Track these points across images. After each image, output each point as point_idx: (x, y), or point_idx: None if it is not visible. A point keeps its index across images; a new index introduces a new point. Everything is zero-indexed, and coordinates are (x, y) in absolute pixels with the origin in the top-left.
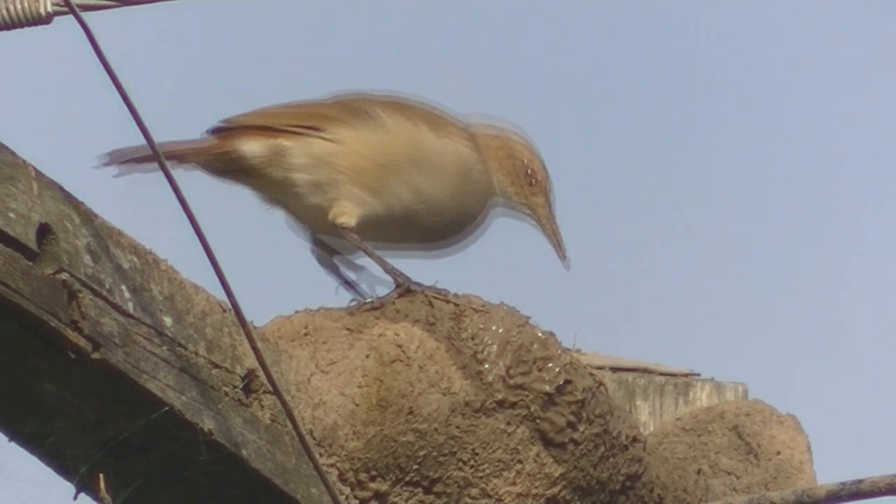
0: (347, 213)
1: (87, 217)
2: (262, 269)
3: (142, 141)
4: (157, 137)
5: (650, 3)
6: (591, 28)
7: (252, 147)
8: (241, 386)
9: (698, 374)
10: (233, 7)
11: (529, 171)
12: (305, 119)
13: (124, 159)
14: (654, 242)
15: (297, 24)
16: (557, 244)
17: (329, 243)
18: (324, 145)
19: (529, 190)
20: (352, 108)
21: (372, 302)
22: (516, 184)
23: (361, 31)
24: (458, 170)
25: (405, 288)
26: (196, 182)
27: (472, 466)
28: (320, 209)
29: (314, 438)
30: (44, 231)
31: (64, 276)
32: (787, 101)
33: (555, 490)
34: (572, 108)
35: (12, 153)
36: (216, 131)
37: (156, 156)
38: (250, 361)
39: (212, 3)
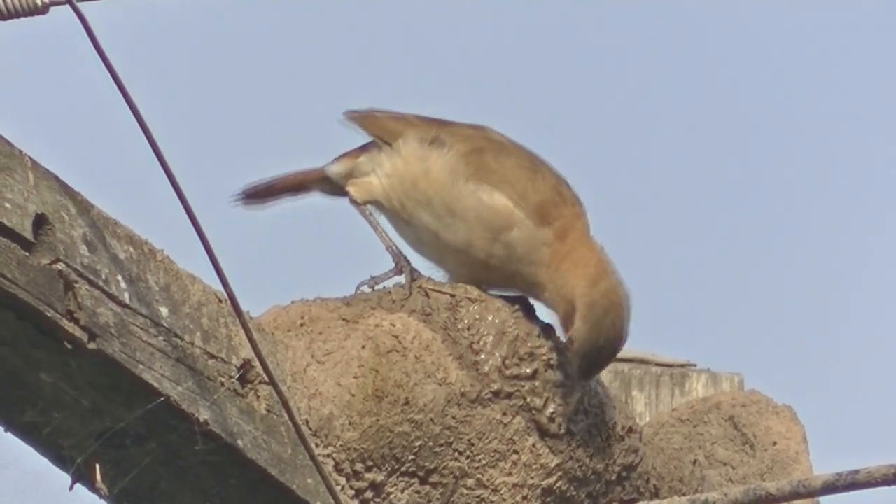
0: (362, 190)
1: (84, 207)
2: (259, 260)
3: (139, 132)
4: (153, 126)
5: (654, 3)
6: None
7: (335, 168)
8: (236, 376)
9: (694, 365)
10: None
11: (569, 338)
12: (392, 133)
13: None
14: (651, 233)
15: (297, 18)
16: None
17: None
18: (381, 156)
19: (569, 348)
20: (437, 133)
21: (368, 283)
22: (569, 314)
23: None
24: (482, 222)
25: (398, 271)
26: (192, 173)
27: (467, 457)
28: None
29: (310, 429)
30: (40, 221)
31: (60, 266)
32: (782, 100)
33: (551, 480)
34: (576, 101)
35: (8, 143)
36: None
37: (148, 138)
38: (246, 352)
39: None
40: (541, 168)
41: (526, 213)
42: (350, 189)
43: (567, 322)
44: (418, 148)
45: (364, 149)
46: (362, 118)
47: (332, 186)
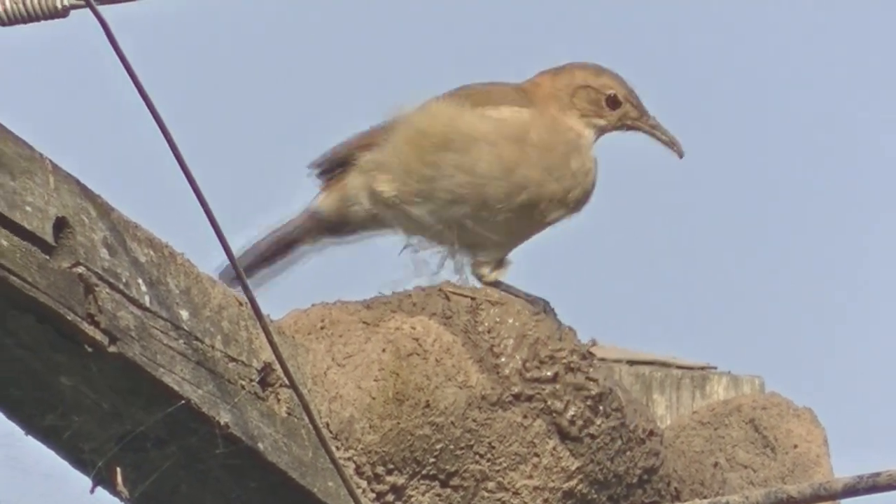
0: (385, 182)
1: (104, 211)
2: None
3: (159, 135)
4: (174, 129)
5: (655, 2)
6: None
7: (325, 202)
8: (257, 379)
9: (715, 368)
10: None
11: (609, 96)
12: (364, 140)
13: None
14: (670, 235)
15: (321, 19)
16: (670, 144)
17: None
18: (370, 155)
19: (618, 112)
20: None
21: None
22: (604, 115)
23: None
24: (504, 137)
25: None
26: (211, 176)
27: (488, 460)
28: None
29: (331, 432)
30: (60, 225)
31: (80, 269)
32: (786, 100)
33: (571, 483)
34: None
35: (29, 147)
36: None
37: (169, 142)
38: (267, 355)
39: None
40: (495, 83)
41: (529, 111)
42: (377, 188)
43: (592, 111)
44: (408, 115)
45: (343, 174)
46: (330, 152)
47: (323, 224)
